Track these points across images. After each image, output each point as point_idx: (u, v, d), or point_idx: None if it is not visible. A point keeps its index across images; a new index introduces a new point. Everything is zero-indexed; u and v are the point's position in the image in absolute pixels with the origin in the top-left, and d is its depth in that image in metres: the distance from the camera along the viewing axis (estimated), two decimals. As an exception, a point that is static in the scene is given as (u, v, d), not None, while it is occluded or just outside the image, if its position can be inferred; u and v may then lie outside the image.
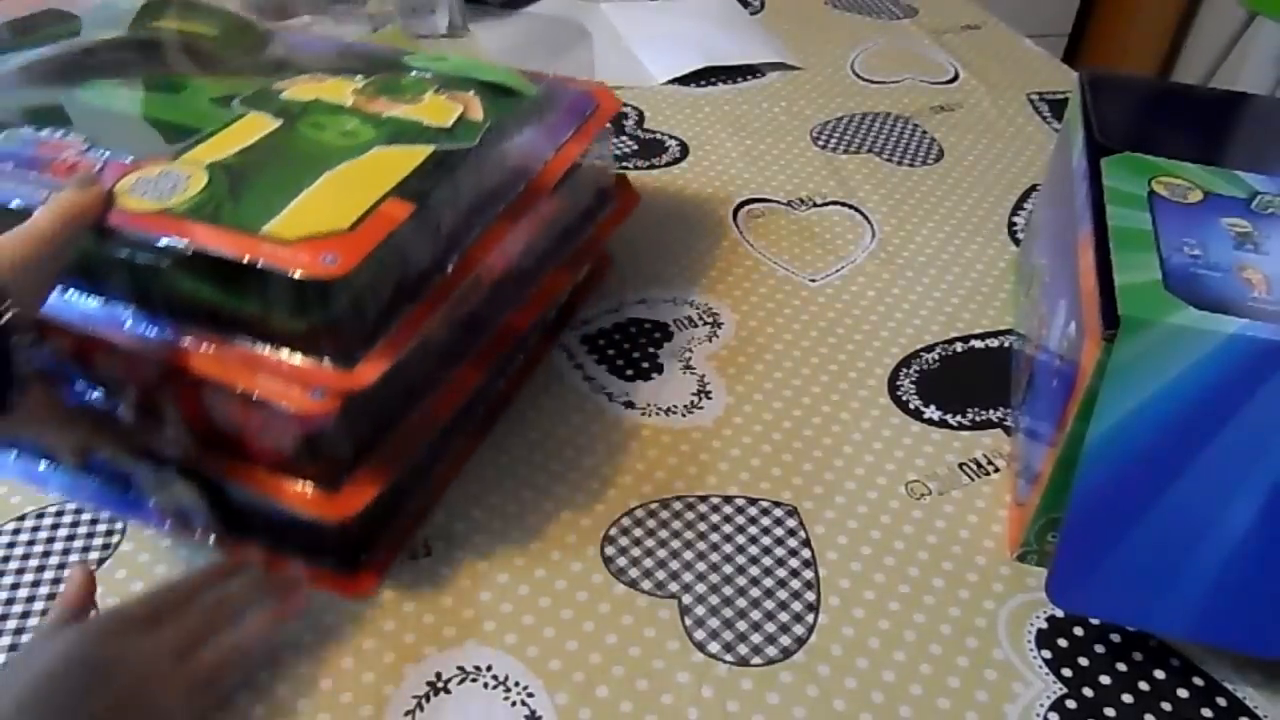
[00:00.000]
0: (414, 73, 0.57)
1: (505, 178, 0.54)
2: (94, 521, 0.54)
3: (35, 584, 0.51)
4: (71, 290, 0.48)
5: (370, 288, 0.46)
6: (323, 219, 0.44)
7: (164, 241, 0.44)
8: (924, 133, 0.91)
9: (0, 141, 0.49)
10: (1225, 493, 0.43)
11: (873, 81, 1.00)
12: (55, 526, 0.53)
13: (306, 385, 0.45)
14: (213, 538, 0.52)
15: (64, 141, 0.49)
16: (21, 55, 0.55)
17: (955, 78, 1.01)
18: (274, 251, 0.42)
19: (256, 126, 0.51)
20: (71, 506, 0.55)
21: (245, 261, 0.42)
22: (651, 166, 0.84)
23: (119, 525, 0.54)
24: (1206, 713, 0.47)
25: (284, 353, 0.45)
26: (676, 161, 0.86)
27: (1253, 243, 0.48)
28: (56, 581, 0.51)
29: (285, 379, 0.45)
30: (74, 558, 0.52)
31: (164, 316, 0.47)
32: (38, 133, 0.49)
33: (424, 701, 0.46)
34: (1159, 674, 0.48)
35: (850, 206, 0.81)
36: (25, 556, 0.52)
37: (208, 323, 0.46)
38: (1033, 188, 0.84)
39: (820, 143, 0.89)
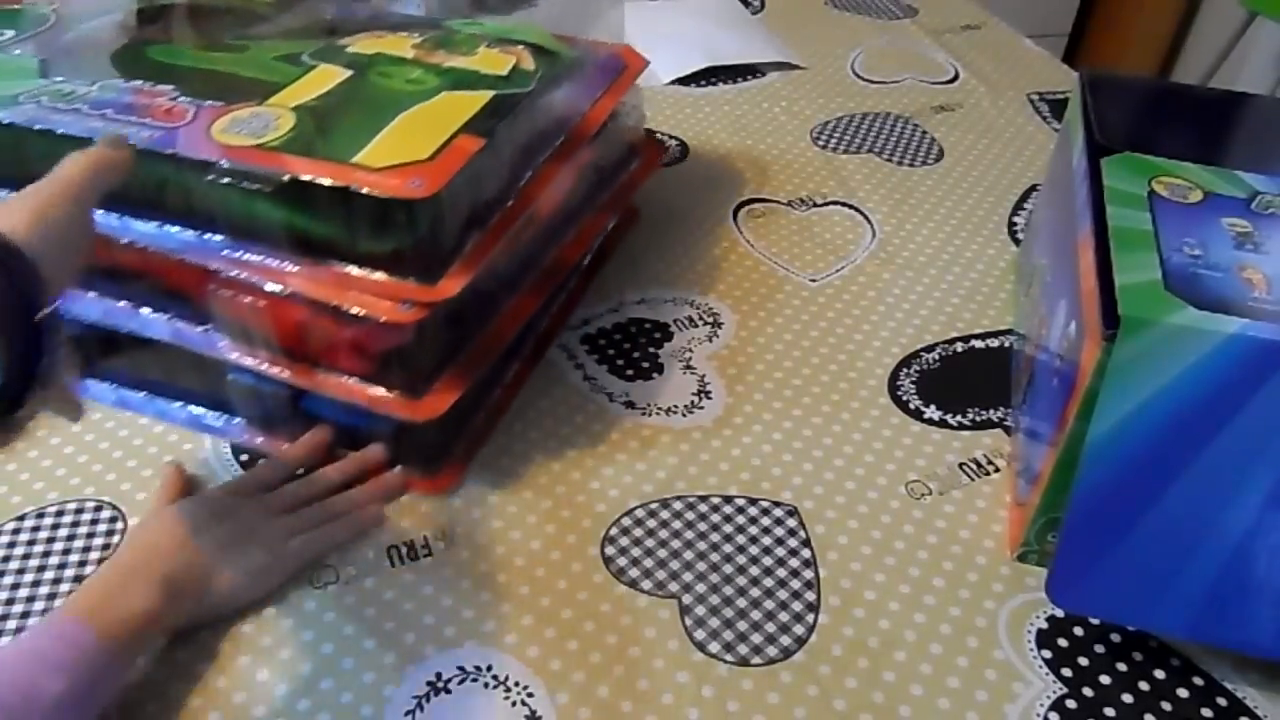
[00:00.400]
0: (463, 32, 0.62)
1: (552, 124, 0.59)
2: (94, 521, 0.54)
3: (35, 584, 0.51)
4: (169, 224, 0.53)
5: (448, 212, 0.51)
6: (405, 151, 0.49)
7: (263, 172, 0.48)
8: (924, 133, 0.91)
9: (96, 91, 0.53)
10: (1226, 493, 0.43)
11: (873, 81, 1.00)
12: (55, 526, 0.53)
13: (396, 299, 0.50)
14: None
15: (155, 90, 0.53)
16: (85, 25, 0.60)
17: (955, 78, 1.01)
18: (366, 178, 0.47)
19: (330, 76, 0.56)
20: (72, 506, 0.55)
21: (341, 188, 0.47)
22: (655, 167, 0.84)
23: (119, 525, 0.54)
24: (1206, 712, 0.47)
25: (371, 273, 0.50)
26: (677, 161, 0.86)
27: (1253, 243, 0.48)
28: (57, 581, 0.51)
29: (376, 294, 0.50)
30: (74, 557, 0.52)
31: (260, 244, 0.51)
32: (128, 83, 0.54)
33: (424, 701, 0.46)
34: (1159, 674, 0.48)
35: (850, 206, 0.81)
36: (25, 556, 0.52)
37: (300, 249, 0.51)
38: (1033, 188, 0.84)
39: (820, 143, 0.89)
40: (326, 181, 0.48)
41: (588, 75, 0.63)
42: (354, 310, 0.50)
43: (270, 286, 0.51)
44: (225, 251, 0.52)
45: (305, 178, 0.48)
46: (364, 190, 0.47)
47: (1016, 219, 0.80)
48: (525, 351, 0.64)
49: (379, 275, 0.50)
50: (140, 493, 0.56)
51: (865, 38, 1.09)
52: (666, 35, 1.03)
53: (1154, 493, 0.44)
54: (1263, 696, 0.47)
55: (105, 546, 0.53)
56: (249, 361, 0.54)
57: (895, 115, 0.94)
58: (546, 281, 0.62)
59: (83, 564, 0.52)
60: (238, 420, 0.59)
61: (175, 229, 0.53)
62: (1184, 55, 2.11)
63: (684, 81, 0.97)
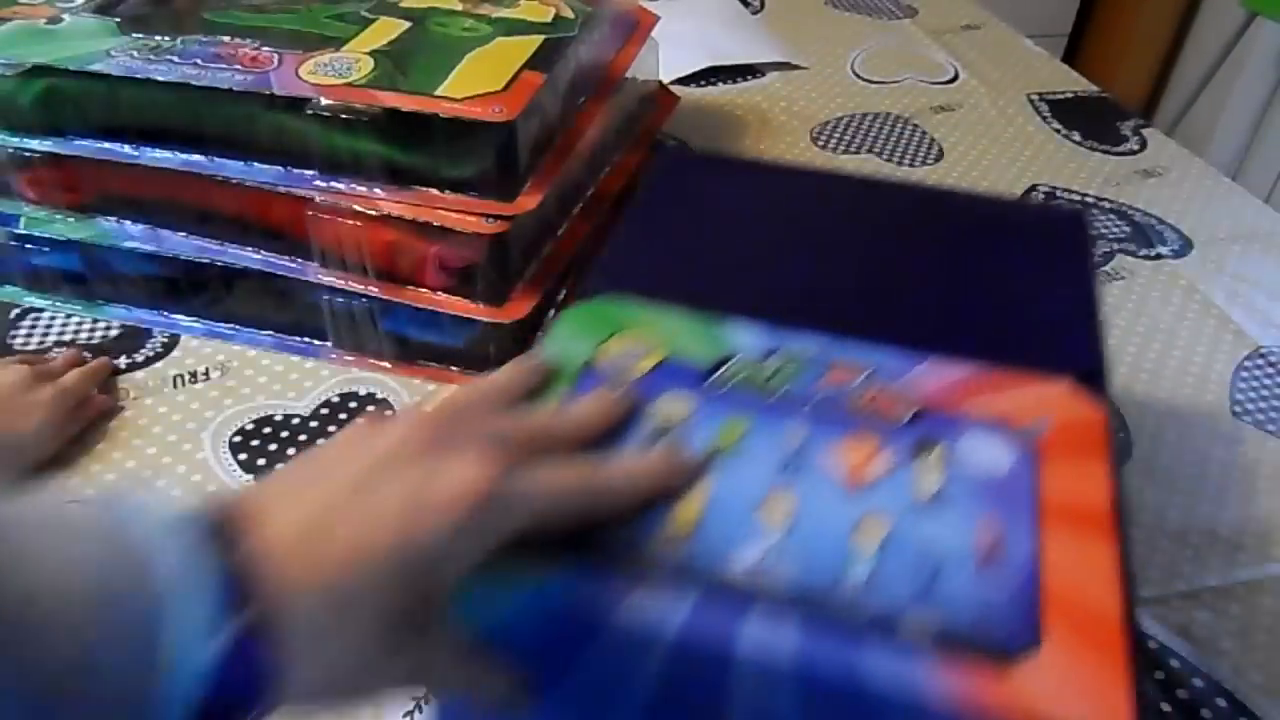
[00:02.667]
0: None
1: (590, 67, 0.66)
2: (93, 522, 0.54)
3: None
4: (259, 162, 0.58)
5: (521, 137, 0.56)
6: (480, 84, 0.55)
7: (358, 106, 0.55)
8: (924, 133, 0.91)
9: (182, 43, 0.59)
10: None
11: (872, 81, 1.00)
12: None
13: (481, 215, 0.56)
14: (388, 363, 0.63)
15: (236, 42, 0.59)
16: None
17: (955, 78, 1.01)
18: (453, 106, 0.54)
19: (392, 26, 0.61)
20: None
21: (426, 118, 0.54)
22: (651, 166, 0.84)
23: (118, 526, 0.54)
24: (1206, 714, 0.47)
25: (455, 194, 0.56)
26: (676, 161, 0.86)
27: (654, 442, 0.37)
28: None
29: (462, 211, 0.56)
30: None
31: (350, 174, 0.57)
32: (208, 37, 0.59)
33: (424, 702, 0.46)
34: (1158, 675, 0.48)
35: (850, 207, 0.81)
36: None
37: (389, 177, 0.57)
38: (1032, 188, 0.84)
39: (820, 143, 0.89)
40: (419, 110, 0.54)
41: (608, 29, 0.69)
42: (443, 226, 0.56)
43: (362, 210, 0.57)
44: (318, 182, 0.57)
45: (400, 108, 0.54)
46: (454, 116, 0.53)
47: (1016, 219, 0.80)
48: (574, 274, 0.68)
49: (462, 196, 0.56)
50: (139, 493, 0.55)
51: (865, 38, 1.08)
52: (666, 35, 1.03)
53: None
54: (1263, 697, 0.47)
55: (104, 547, 0.52)
56: (340, 284, 0.60)
57: (895, 115, 0.94)
58: (592, 210, 0.68)
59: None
60: (322, 343, 0.64)
61: (265, 166, 0.58)
62: (1184, 55, 2.11)
63: (684, 81, 0.97)
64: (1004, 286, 0.47)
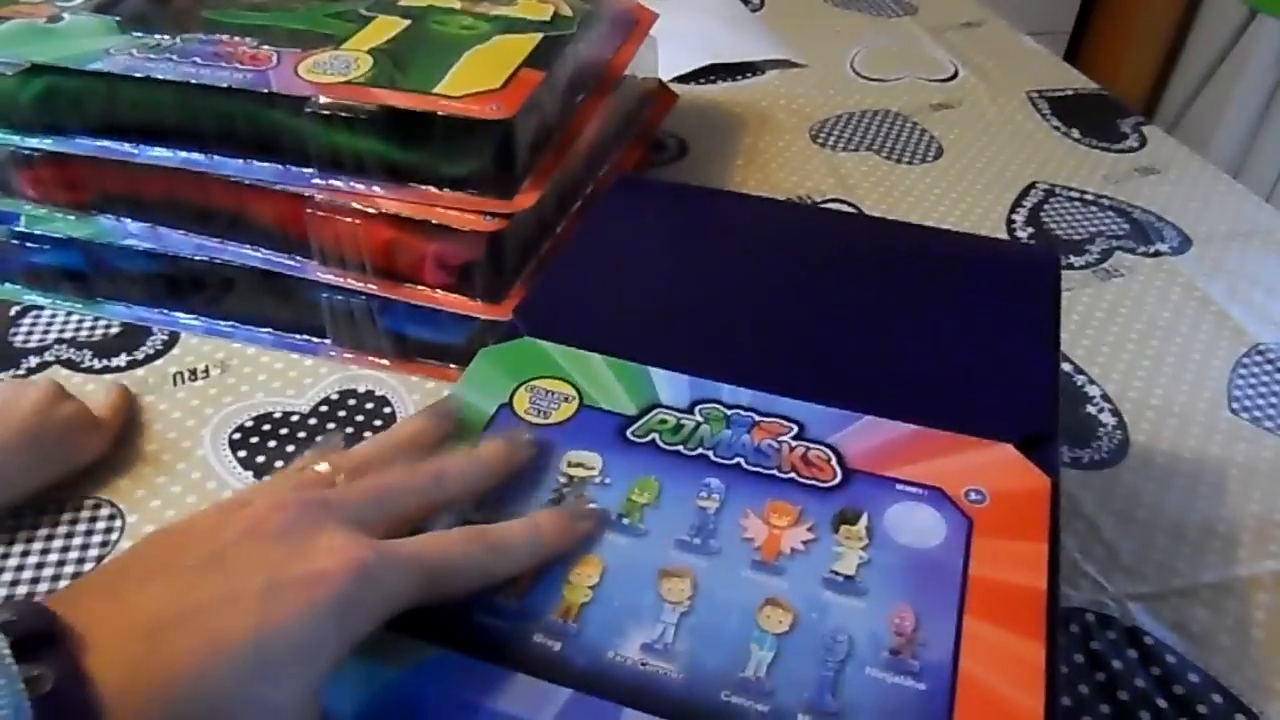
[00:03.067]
0: None
1: (588, 65, 0.66)
2: (93, 519, 0.54)
3: (35, 580, 0.51)
4: (257, 160, 0.58)
5: (519, 135, 0.56)
6: (478, 81, 0.55)
7: (356, 104, 0.54)
8: (923, 130, 0.91)
9: (181, 41, 0.59)
10: None
11: (872, 79, 1.00)
12: (55, 524, 0.54)
13: (479, 212, 0.56)
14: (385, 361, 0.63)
15: (235, 40, 0.59)
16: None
17: (955, 75, 1.01)
18: (451, 104, 0.54)
19: (391, 25, 0.62)
20: (70, 504, 0.55)
21: (425, 117, 0.54)
22: (651, 165, 0.84)
23: (118, 522, 0.54)
24: (1202, 709, 0.47)
25: (453, 192, 0.56)
26: (675, 160, 0.86)
27: (575, 497, 0.35)
28: (56, 579, 0.51)
29: (461, 209, 0.56)
30: (73, 554, 0.52)
31: (349, 173, 0.57)
32: (208, 35, 0.59)
33: None
34: (1155, 670, 0.48)
35: (849, 204, 0.81)
36: (24, 554, 0.52)
37: (388, 175, 0.57)
38: (1031, 185, 0.84)
39: (819, 141, 0.89)
40: (416, 108, 0.54)
41: (607, 27, 0.69)
42: (440, 224, 0.56)
43: (361, 208, 0.57)
44: (316, 180, 0.58)
45: (398, 105, 0.54)
46: (451, 114, 0.53)
47: (1015, 217, 0.80)
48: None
49: (460, 194, 0.56)
50: (139, 490, 0.56)
51: (865, 35, 1.09)
52: (665, 33, 1.03)
53: None
54: (1262, 695, 0.47)
55: (104, 544, 0.53)
56: (338, 282, 0.60)
57: (894, 113, 0.94)
58: (588, 207, 0.68)
59: (81, 561, 0.52)
60: (321, 340, 0.64)
61: (263, 164, 0.59)
62: (1185, 53, 2.11)
63: (683, 79, 0.97)
64: (955, 335, 0.44)
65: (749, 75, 1.00)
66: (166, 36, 0.59)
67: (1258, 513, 0.56)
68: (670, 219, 0.54)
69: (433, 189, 0.57)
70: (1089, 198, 0.83)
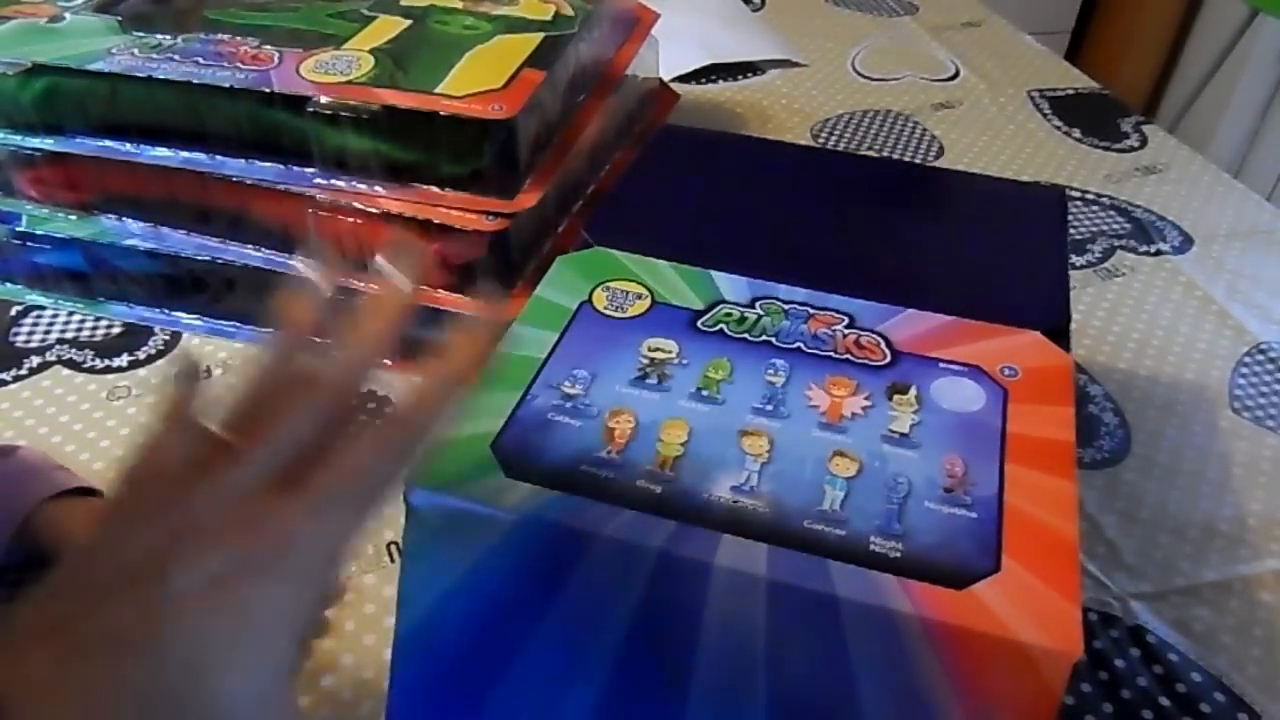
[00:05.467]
0: None
1: (590, 65, 0.66)
2: (95, 518, 0.54)
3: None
4: (258, 160, 0.58)
5: (521, 134, 0.56)
6: (480, 81, 0.55)
7: (357, 104, 0.54)
8: (924, 130, 0.91)
9: (183, 41, 0.59)
10: (557, 688, 0.36)
11: (873, 79, 1.00)
12: (56, 523, 0.54)
13: (481, 212, 0.56)
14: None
15: (237, 40, 0.59)
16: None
17: (956, 75, 1.01)
18: (452, 104, 0.54)
19: (393, 24, 0.62)
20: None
21: (426, 117, 0.54)
22: (652, 164, 0.84)
23: (120, 522, 0.54)
24: (1204, 708, 0.47)
25: (455, 192, 0.56)
26: (677, 159, 0.86)
27: (658, 375, 0.39)
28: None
29: (463, 208, 0.56)
30: (75, 555, 0.52)
31: (350, 172, 0.57)
32: (209, 36, 0.59)
33: None
34: (1157, 669, 0.48)
35: (850, 204, 0.81)
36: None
37: (389, 175, 0.57)
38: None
39: (820, 140, 0.89)
40: (418, 108, 0.54)
41: (608, 27, 0.69)
42: (442, 224, 0.56)
43: (362, 207, 0.57)
44: (318, 180, 0.58)
45: (400, 105, 0.54)
46: (452, 114, 0.53)
47: (1016, 216, 0.80)
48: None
49: (462, 194, 0.56)
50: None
51: (866, 35, 1.08)
52: (666, 32, 1.03)
53: (479, 691, 0.36)
54: (1263, 695, 0.47)
55: (106, 543, 0.53)
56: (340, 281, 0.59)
57: (895, 112, 0.94)
58: (588, 208, 0.68)
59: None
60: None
61: (265, 164, 0.58)
62: (1186, 52, 2.10)
63: (684, 79, 0.97)
64: (982, 250, 0.50)
65: (750, 75, 1.00)
66: (168, 36, 0.59)
67: (1259, 512, 0.56)
68: (717, 155, 0.58)
69: (434, 189, 0.57)
70: (1090, 197, 0.83)
